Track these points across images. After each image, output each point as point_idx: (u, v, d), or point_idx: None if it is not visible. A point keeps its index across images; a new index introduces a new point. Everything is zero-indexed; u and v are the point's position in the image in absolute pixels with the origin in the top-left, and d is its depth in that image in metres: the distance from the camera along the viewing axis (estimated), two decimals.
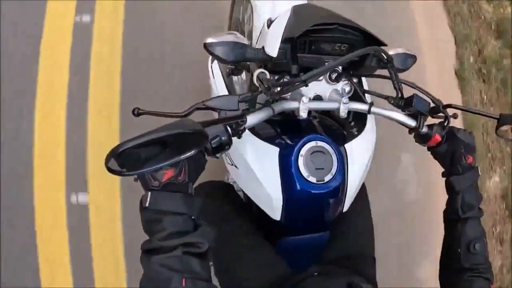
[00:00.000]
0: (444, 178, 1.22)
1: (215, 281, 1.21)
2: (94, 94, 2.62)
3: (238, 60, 1.11)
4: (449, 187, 1.19)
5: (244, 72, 1.44)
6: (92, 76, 2.64)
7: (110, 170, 0.74)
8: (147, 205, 0.83)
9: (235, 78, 1.78)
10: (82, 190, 2.44)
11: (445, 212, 1.21)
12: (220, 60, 1.11)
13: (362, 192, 1.44)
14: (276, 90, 1.04)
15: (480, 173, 1.19)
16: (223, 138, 0.95)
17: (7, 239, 2.29)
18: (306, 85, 1.05)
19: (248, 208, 1.43)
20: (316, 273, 1.20)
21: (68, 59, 2.65)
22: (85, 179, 2.45)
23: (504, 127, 1.17)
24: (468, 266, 1.11)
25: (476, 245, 1.12)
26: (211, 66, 1.56)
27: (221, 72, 1.48)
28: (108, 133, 2.54)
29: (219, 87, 1.46)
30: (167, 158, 0.78)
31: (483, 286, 1.09)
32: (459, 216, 1.15)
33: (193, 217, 0.86)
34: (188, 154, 0.78)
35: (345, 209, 1.30)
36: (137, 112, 0.89)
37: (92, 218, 2.42)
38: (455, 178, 1.17)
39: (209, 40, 1.07)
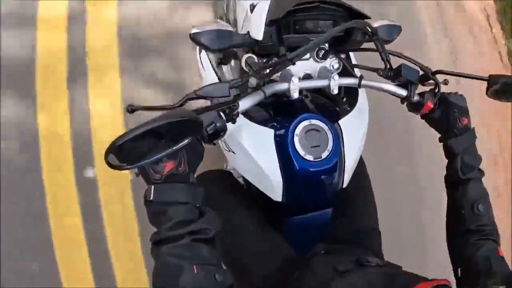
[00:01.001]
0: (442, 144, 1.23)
1: None
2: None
3: (225, 47, 1.12)
4: (448, 151, 1.20)
5: (233, 61, 1.45)
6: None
7: (110, 165, 0.76)
8: (151, 198, 0.84)
9: (224, 67, 1.78)
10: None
11: (446, 176, 1.22)
12: (207, 49, 1.12)
13: (361, 166, 1.45)
14: (265, 72, 1.06)
15: (477, 135, 1.21)
16: (217, 124, 0.96)
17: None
18: (293, 64, 1.06)
19: (249, 194, 1.45)
20: (322, 251, 1.22)
21: None
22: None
23: (494, 87, 1.18)
24: (473, 227, 1.12)
25: (480, 205, 1.13)
26: (200, 57, 1.56)
27: (210, 62, 1.49)
28: None
29: (209, 76, 1.47)
30: (165, 148, 0.79)
31: (491, 248, 1.10)
32: (460, 178, 1.16)
33: (197, 205, 0.87)
34: (186, 141, 0.80)
35: (345, 184, 1.31)
36: (130, 109, 0.90)
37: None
38: (453, 141, 1.18)
39: (194, 30, 1.08)
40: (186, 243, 0.82)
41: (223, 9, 2.02)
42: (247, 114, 1.25)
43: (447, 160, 1.23)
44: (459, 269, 1.10)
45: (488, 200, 1.17)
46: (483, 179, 1.19)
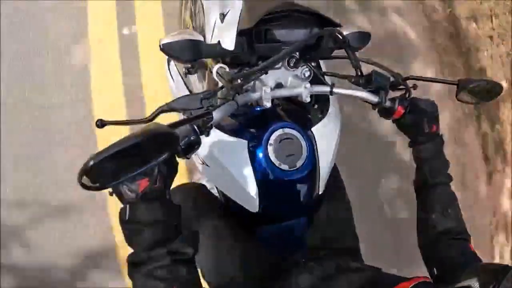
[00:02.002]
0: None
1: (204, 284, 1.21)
2: None
3: (196, 58, 1.10)
4: (416, 156, 1.22)
5: (200, 71, 1.43)
6: None
7: (84, 186, 0.73)
8: (127, 217, 0.81)
9: (193, 77, 1.76)
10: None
11: (415, 181, 1.23)
12: (178, 60, 1.10)
13: (335, 172, 1.45)
14: (237, 83, 1.04)
15: (444, 140, 1.22)
16: (192, 137, 0.94)
17: None
18: (266, 73, 1.05)
19: (224, 205, 1.43)
20: (303, 260, 1.21)
21: None
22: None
23: (464, 91, 1.20)
24: (444, 230, 1.14)
25: (449, 209, 1.15)
26: (169, 69, 1.54)
27: (179, 72, 1.47)
28: None
29: (180, 88, 1.45)
30: (141, 166, 0.76)
31: (463, 245, 1.12)
32: (428, 183, 1.18)
33: (174, 223, 0.85)
34: (162, 157, 0.78)
35: (321, 191, 1.31)
36: (100, 123, 0.87)
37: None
38: (421, 147, 1.20)
39: (164, 41, 1.06)
40: (165, 264, 0.79)
41: (191, 16, 2.00)
42: (219, 125, 1.23)
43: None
44: (434, 269, 1.11)
45: (457, 203, 1.19)
46: (451, 183, 1.20)
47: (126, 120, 0.91)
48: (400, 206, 2.81)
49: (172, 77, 1.50)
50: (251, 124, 1.29)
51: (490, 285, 0.73)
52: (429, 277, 1.09)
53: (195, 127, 0.96)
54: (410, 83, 1.20)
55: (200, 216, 1.31)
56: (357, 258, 1.35)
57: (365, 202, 2.50)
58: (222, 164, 1.23)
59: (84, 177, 0.72)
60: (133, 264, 0.81)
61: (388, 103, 1.20)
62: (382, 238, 2.74)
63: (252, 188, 1.21)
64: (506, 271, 0.76)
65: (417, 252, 1.19)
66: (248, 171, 1.20)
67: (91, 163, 0.71)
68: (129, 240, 0.82)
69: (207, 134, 1.00)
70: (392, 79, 1.20)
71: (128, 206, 0.81)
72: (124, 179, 0.75)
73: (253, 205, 1.24)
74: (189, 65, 1.43)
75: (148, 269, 0.79)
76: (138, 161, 0.77)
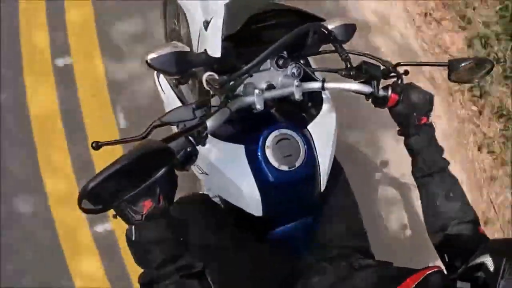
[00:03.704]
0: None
1: None
2: None
3: (184, 69, 1.10)
4: (409, 149, 1.21)
5: (191, 80, 1.43)
6: None
7: (84, 210, 0.73)
8: (133, 238, 0.81)
9: (183, 87, 1.76)
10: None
11: (412, 173, 1.22)
12: (166, 73, 1.10)
13: (337, 168, 1.45)
14: (226, 89, 1.04)
15: (435, 127, 1.22)
16: (188, 149, 0.94)
17: None
18: (251, 75, 1.05)
19: (228, 213, 1.42)
20: (315, 260, 1.21)
21: None
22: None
23: (455, 72, 1.20)
24: (450, 215, 1.13)
25: (451, 193, 1.14)
26: (158, 81, 1.54)
27: (170, 85, 1.46)
28: None
29: (171, 100, 1.44)
30: (139, 185, 0.77)
31: (471, 228, 1.11)
32: (426, 172, 1.17)
33: (181, 239, 0.85)
34: (160, 173, 0.78)
35: (323, 187, 1.30)
36: (96, 145, 0.87)
37: None
38: (413, 139, 1.18)
39: (150, 56, 1.05)
40: (176, 280, 0.79)
41: (174, 26, 2.00)
42: (215, 133, 1.23)
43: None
44: (445, 255, 1.11)
45: (459, 186, 1.18)
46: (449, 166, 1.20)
47: (121, 139, 0.90)
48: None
49: (162, 90, 1.50)
50: (246, 128, 1.29)
51: (503, 259, 0.73)
52: (441, 265, 1.08)
53: (191, 139, 0.95)
54: (401, 69, 1.19)
55: (206, 227, 1.31)
56: (367, 254, 1.34)
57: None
58: (222, 172, 1.22)
59: (85, 200, 0.72)
60: (145, 284, 0.81)
61: (381, 92, 1.19)
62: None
63: (254, 192, 1.20)
64: None
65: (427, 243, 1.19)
66: (248, 176, 1.20)
67: (90, 185, 0.71)
68: (139, 261, 0.83)
69: (203, 144, 1.00)
70: (382, 67, 1.19)
71: (134, 227, 0.81)
72: (125, 198, 0.76)
73: (257, 209, 1.23)
74: (179, 76, 1.43)
75: (160, 286, 0.79)
76: (136, 179, 0.77)
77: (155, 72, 1.51)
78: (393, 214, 2.78)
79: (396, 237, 2.74)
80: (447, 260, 1.09)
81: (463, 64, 1.17)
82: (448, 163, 1.18)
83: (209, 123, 1.00)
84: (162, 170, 0.78)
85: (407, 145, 1.21)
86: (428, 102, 1.20)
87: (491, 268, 0.74)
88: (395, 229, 2.75)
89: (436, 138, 1.20)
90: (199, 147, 0.99)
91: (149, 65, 1.05)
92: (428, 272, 0.82)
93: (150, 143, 0.81)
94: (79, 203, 0.72)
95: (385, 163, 2.83)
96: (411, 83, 1.21)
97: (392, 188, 2.80)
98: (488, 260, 0.76)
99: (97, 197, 0.74)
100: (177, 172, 0.93)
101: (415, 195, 1.24)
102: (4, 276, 2.15)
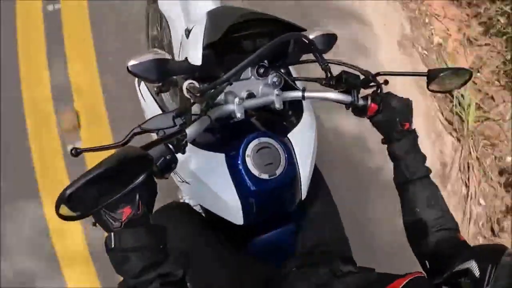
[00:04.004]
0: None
1: None
2: None
3: (165, 76, 1.09)
4: (392, 155, 1.22)
5: (172, 88, 1.42)
6: None
7: (62, 217, 0.72)
8: (113, 245, 0.80)
9: (164, 95, 1.75)
10: None
11: (394, 179, 1.23)
12: (147, 80, 1.09)
13: (317, 176, 1.45)
14: (206, 97, 1.04)
15: (418, 134, 1.23)
16: (167, 157, 0.94)
17: None
18: (231, 84, 1.05)
19: (210, 222, 1.42)
20: (294, 268, 1.21)
21: None
22: None
23: (434, 81, 1.21)
24: (430, 223, 1.14)
25: (433, 200, 1.15)
26: (139, 89, 1.53)
27: (150, 92, 1.46)
28: None
29: (151, 107, 1.44)
30: (118, 191, 0.76)
31: (451, 236, 1.12)
32: (408, 179, 1.18)
33: (161, 247, 0.84)
34: (139, 180, 0.77)
35: (304, 196, 1.31)
36: (75, 152, 0.86)
37: None
38: (395, 145, 1.19)
39: (131, 62, 1.05)
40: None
41: (156, 33, 2.00)
42: (195, 141, 1.22)
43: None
44: (426, 262, 1.11)
45: (439, 194, 1.19)
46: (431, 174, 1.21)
47: (101, 146, 0.90)
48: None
49: (143, 97, 1.49)
50: (227, 137, 1.29)
51: (488, 265, 0.74)
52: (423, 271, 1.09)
53: (170, 146, 0.95)
54: (381, 78, 1.21)
55: (187, 236, 1.30)
56: (349, 261, 1.34)
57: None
58: (202, 180, 1.22)
59: (63, 207, 0.72)
60: None
61: (361, 102, 1.20)
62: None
63: (235, 201, 1.20)
64: (502, 250, 0.77)
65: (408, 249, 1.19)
66: (228, 184, 1.20)
67: (68, 191, 0.71)
68: (118, 268, 0.82)
69: (183, 152, 1.00)
70: (362, 77, 1.20)
71: (113, 234, 0.81)
72: (104, 204, 0.75)
73: (238, 218, 1.23)
74: (160, 84, 1.43)
75: None
76: (115, 187, 0.76)
77: (136, 79, 1.50)
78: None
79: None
80: (428, 266, 1.10)
81: (441, 74, 1.19)
82: (430, 170, 1.19)
83: (189, 131, 1.00)
84: (141, 177, 0.77)
85: (390, 152, 1.22)
86: (408, 107, 1.22)
87: (477, 274, 0.74)
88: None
89: (419, 145, 1.22)
90: (179, 155, 0.98)
91: (129, 71, 1.04)
92: (411, 278, 0.82)
93: (130, 149, 0.81)
94: (57, 209, 0.71)
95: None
96: (389, 92, 1.22)
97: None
98: (473, 266, 0.76)
99: (76, 203, 0.73)
100: (157, 180, 0.93)
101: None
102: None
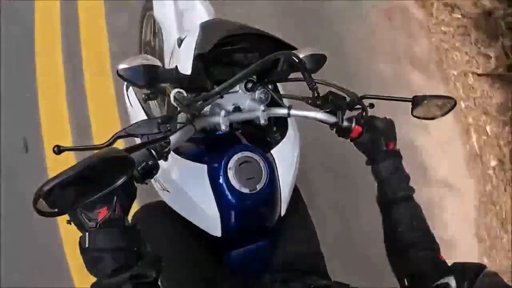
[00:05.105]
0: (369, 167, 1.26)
1: None
2: None
3: (153, 83, 1.10)
4: (376, 175, 1.23)
5: (160, 96, 1.43)
6: None
7: (39, 212, 0.72)
8: (87, 245, 0.80)
9: (152, 103, 1.76)
10: None
11: (377, 198, 1.24)
12: (135, 85, 1.09)
13: (296, 194, 1.46)
14: (194, 107, 1.05)
15: (402, 155, 1.25)
16: (149, 162, 0.94)
17: None
18: (221, 97, 1.06)
19: (189, 229, 1.41)
20: (270, 282, 1.20)
21: None
22: None
23: (419, 108, 1.23)
24: (410, 242, 1.14)
25: (414, 222, 1.16)
26: (127, 94, 1.53)
27: (138, 99, 1.46)
28: None
29: (138, 114, 1.44)
30: (97, 191, 0.76)
31: (432, 257, 1.12)
32: (391, 199, 1.19)
33: (135, 249, 0.84)
34: (119, 182, 0.77)
35: (283, 212, 1.31)
36: (57, 150, 0.86)
37: None
38: (380, 166, 1.21)
39: (121, 66, 1.05)
40: None
41: (149, 40, 2.01)
42: (178, 151, 1.23)
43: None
44: (405, 280, 1.12)
45: (422, 214, 1.20)
46: (414, 194, 1.22)
47: (84, 146, 0.90)
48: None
49: (130, 103, 1.49)
50: (210, 148, 1.29)
51: (466, 282, 0.77)
52: None
53: (153, 152, 0.95)
54: (366, 102, 1.22)
55: (164, 237, 1.30)
56: (324, 276, 1.35)
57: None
58: (183, 190, 1.22)
59: (41, 201, 0.72)
60: None
61: (345, 123, 1.21)
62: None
63: (214, 213, 1.20)
64: (481, 269, 0.80)
65: (385, 264, 1.20)
66: (208, 196, 1.20)
67: (47, 186, 0.70)
68: (90, 268, 0.82)
69: (165, 159, 1.00)
70: (348, 98, 1.22)
71: (87, 234, 0.81)
72: (82, 204, 0.75)
73: (216, 230, 1.23)
74: (148, 91, 1.43)
75: None
76: (94, 186, 0.77)
77: (125, 84, 1.51)
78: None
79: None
80: (406, 284, 1.10)
81: (425, 101, 1.21)
82: (414, 191, 1.21)
83: (173, 138, 1.00)
84: (122, 179, 0.78)
85: (374, 172, 1.23)
86: (392, 126, 1.25)
87: None
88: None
89: (403, 166, 1.23)
90: (161, 163, 0.98)
91: (118, 75, 1.05)
92: None
93: (112, 150, 0.81)
94: (34, 204, 0.71)
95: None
96: (372, 115, 1.24)
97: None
98: (451, 281, 0.79)
99: (54, 200, 0.73)
100: (137, 185, 0.93)
101: None
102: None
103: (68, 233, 2.28)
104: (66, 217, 0.82)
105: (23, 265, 2.24)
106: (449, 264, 1.09)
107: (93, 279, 0.81)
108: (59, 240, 2.30)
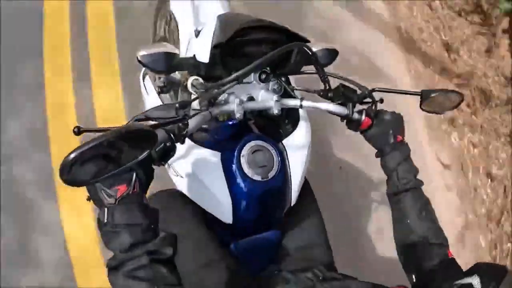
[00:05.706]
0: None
1: None
2: None
3: (172, 69, 1.13)
4: (384, 167, 1.25)
5: (173, 90, 1.46)
6: None
7: (67, 181, 0.73)
8: (105, 220, 0.82)
9: (165, 96, 1.79)
10: None
11: (387, 191, 1.26)
12: (154, 71, 1.13)
13: (306, 185, 1.48)
14: (212, 92, 1.08)
15: (410, 148, 1.27)
16: (167, 144, 0.96)
17: None
18: (239, 83, 1.09)
19: (201, 214, 1.44)
20: (276, 271, 1.22)
21: None
22: None
23: (427, 101, 1.26)
24: (420, 235, 1.16)
25: (423, 212, 1.18)
26: (144, 83, 1.57)
27: (154, 86, 1.49)
28: None
29: (153, 100, 1.47)
30: (122, 165, 0.78)
31: (440, 252, 1.14)
32: (399, 191, 1.20)
33: (152, 226, 0.86)
34: (143, 155, 0.79)
35: (293, 202, 1.34)
36: (77, 130, 0.89)
37: None
38: (388, 157, 1.23)
39: (141, 52, 1.09)
40: (145, 263, 0.81)
41: (165, 33, 2.04)
42: (194, 138, 1.26)
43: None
44: (413, 276, 1.13)
45: (430, 207, 1.22)
46: (422, 187, 1.24)
47: (102, 128, 0.92)
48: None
49: (146, 91, 1.53)
50: (224, 137, 1.32)
51: (491, 283, 0.78)
52: (408, 285, 1.11)
53: (171, 134, 0.98)
54: (377, 96, 1.25)
55: (178, 224, 1.31)
56: (331, 268, 1.36)
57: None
58: (196, 175, 1.25)
59: (67, 169, 0.71)
60: (112, 267, 0.82)
61: (355, 115, 1.24)
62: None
63: (226, 199, 1.23)
64: (505, 272, 0.81)
65: (393, 262, 1.22)
66: (221, 182, 1.23)
67: (74, 155, 0.70)
68: (108, 243, 0.84)
69: (182, 142, 1.03)
70: (358, 91, 1.25)
71: (106, 209, 0.83)
72: (104, 176, 0.76)
73: (227, 216, 1.26)
74: (162, 84, 1.47)
75: (128, 269, 0.80)
76: (118, 161, 0.78)
77: (142, 73, 1.54)
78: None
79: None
80: (414, 280, 1.12)
81: (433, 95, 1.24)
82: (422, 183, 1.23)
83: (191, 122, 1.03)
84: (145, 152, 0.79)
85: (383, 164, 1.25)
86: (400, 120, 1.27)
87: None
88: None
89: (412, 159, 1.25)
90: (177, 146, 1.02)
91: (139, 61, 1.08)
92: None
93: (137, 124, 0.84)
94: (61, 174, 0.71)
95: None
96: (382, 109, 1.27)
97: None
98: (476, 282, 0.80)
99: (76, 176, 0.74)
100: (154, 167, 0.96)
101: None
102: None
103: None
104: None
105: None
106: (456, 262, 1.11)
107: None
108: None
